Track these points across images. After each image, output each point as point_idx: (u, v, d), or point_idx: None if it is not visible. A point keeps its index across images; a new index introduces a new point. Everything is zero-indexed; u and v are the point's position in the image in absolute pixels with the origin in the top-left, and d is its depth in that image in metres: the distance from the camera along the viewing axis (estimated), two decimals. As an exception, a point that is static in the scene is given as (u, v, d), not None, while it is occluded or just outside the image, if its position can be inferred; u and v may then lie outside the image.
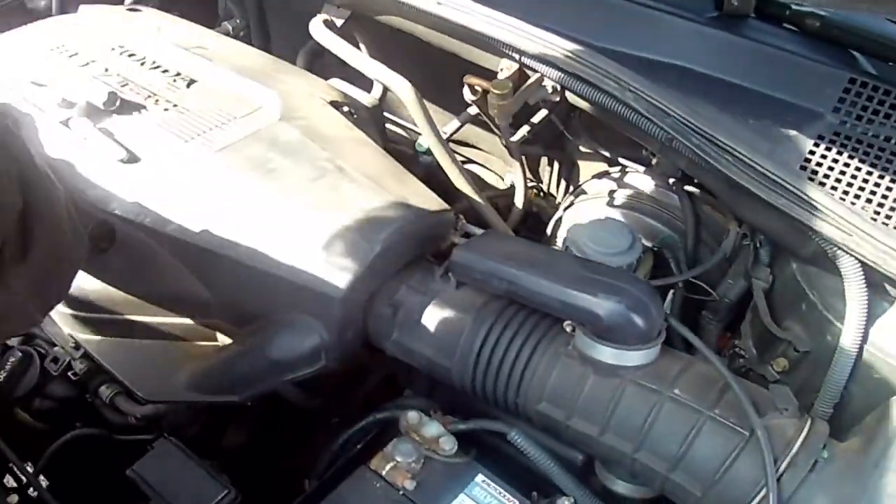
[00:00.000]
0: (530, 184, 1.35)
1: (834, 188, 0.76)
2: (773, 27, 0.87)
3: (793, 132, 0.79)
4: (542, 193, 1.44)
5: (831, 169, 0.77)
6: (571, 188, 1.34)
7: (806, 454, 0.67)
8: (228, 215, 0.90)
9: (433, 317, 0.85)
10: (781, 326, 0.86)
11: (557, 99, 0.98)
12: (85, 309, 0.96)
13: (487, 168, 1.51)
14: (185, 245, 0.89)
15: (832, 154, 0.78)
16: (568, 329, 0.78)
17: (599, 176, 1.21)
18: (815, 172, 0.77)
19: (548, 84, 0.97)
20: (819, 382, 0.81)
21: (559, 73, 0.89)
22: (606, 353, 0.74)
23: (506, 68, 0.99)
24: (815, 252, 0.80)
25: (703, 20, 0.88)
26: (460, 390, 0.85)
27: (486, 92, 1.03)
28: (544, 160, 1.38)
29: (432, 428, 0.81)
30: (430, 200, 0.95)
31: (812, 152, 0.78)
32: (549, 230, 1.24)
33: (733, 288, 0.95)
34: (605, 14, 0.92)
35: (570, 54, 0.87)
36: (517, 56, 0.94)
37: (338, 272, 0.84)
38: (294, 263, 0.85)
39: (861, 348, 0.76)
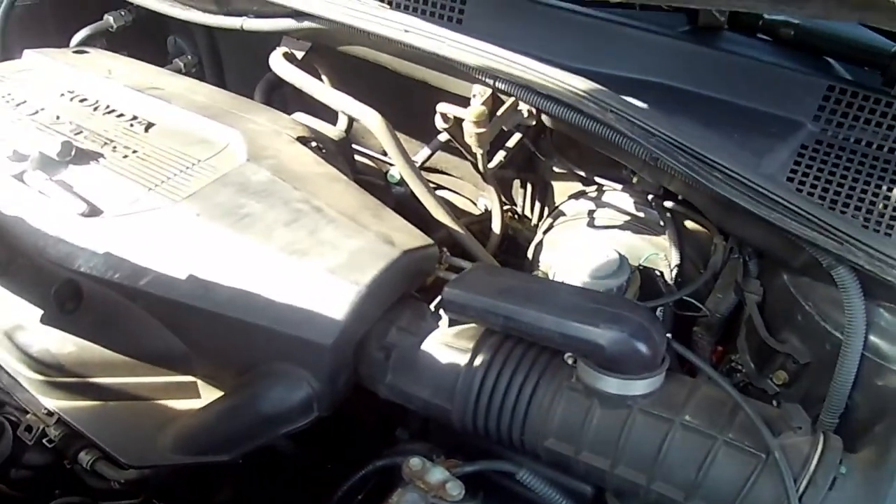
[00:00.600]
0: (504, 207, 1.33)
1: (822, 197, 0.76)
2: (747, 38, 0.87)
3: (777, 143, 0.79)
4: (516, 216, 1.42)
5: (818, 178, 0.77)
6: (547, 210, 1.33)
7: (824, 471, 0.66)
8: (203, 266, 0.85)
9: (428, 358, 0.81)
10: (778, 339, 0.85)
11: (534, 122, 0.97)
12: (55, 373, 0.89)
13: (458, 193, 1.49)
14: (158, 300, 0.84)
15: (817, 163, 0.78)
16: (569, 361, 0.76)
17: (576, 196, 1.20)
18: (803, 183, 0.77)
19: (523, 108, 0.95)
20: (820, 393, 0.81)
21: (536, 97, 0.88)
22: (612, 384, 0.71)
23: (479, 94, 0.98)
24: (806, 262, 0.79)
25: (677, 35, 0.87)
26: (461, 431, 0.81)
27: (459, 120, 1.01)
28: (516, 182, 1.37)
29: (437, 473, 0.77)
30: (412, 235, 0.92)
31: (798, 163, 0.78)
32: (529, 254, 1.23)
33: (723, 302, 0.94)
34: (578, 34, 0.91)
35: (546, 77, 0.85)
36: (491, 81, 0.92)
37: (325, 319, 0.80)
38: (277, 312, 0.81)
39: (862, 356, 0.75)
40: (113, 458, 0.89)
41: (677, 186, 0.88)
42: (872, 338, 0.75)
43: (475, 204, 1.47)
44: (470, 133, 0.96)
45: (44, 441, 0.93)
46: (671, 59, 0.86)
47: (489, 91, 0.96)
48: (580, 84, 0.83)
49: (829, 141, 0.79)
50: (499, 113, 0.95)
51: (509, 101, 0.96)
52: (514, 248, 1.38)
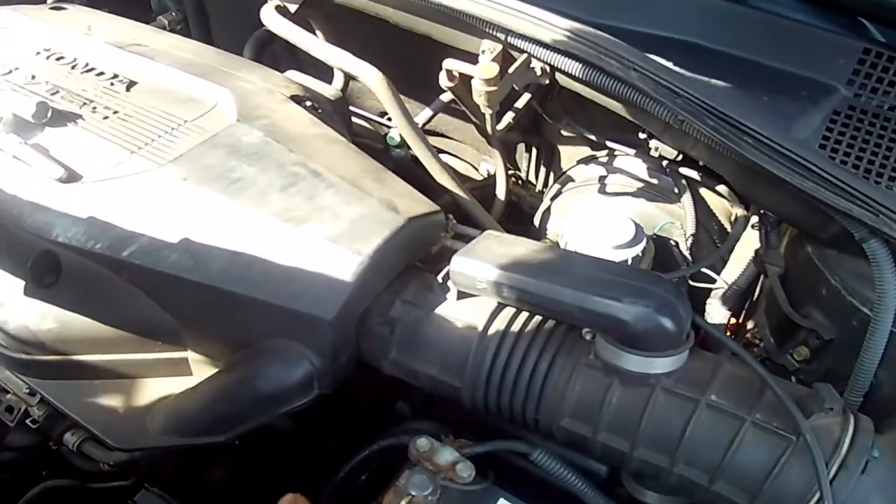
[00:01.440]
0: (508, 172, 1.28)
1: (856, 166, 0.72)
2: (779, -5, 0.81)
3: (809, 108, 0.73)
4: (520, 181, 1.37)
5: (851, 146, 0.73)
6: (553, 175, 1.28)
7: (857, 455, 0.62)
8: (191, 234, 0.79)
9: (435, 333, 0.77)
10: (800, 313, 0.81)
11: (547, 82, 0.91)
12: (35, 351, 0.84)
13: (460, 158, 1.43)
14: (144, 271, 0.78)
15: (850, 130, 0.73)
16: (587, 337, 0.71)
17: (586, 161, 1.14)
18: (836, 150, 0.72)
19: (536, 66, 0.89)
20: (843, 370, 0.77)
21: (552, 54, 0.81)
22: (633, 361, 0.67)
23: (488, 50, 0.91)
24: (834, 234, 0.75)
25: (705, -10, 0.81)
26: (470, 409, 0.77)
27: (466, 78, 0.95)
28: (521, 146, 1.31)
29: (446, 454, 0.73)
30: (416, 201, 0.87)
31: (830, 129, 0.73)
32: (536, 221, 1.18)
33: (742, 274, 0.90)
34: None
35: (563, 32, 0.79)
36: (502, 36, 0.85)
37: (326, 292, 0.75)
38: (274, 285, 0.76)
39: (891, 333, 0.72)
40: (101, 438, 0.85)
41: (700, 152, 0.83)
42: (902, 313, 0.71)
43: (477, 169, 1.41)
44: (479, 92, 0.90)
45: (27, 422, 0.90)
46: (697, 15, 0.80)
47: (499, 47, 0.89)
48: (600, 40, 0.77)
49: (862, 107, 0.74)
50: (510, 71, 0.89)
51: (521, 57, 0.89)
52: (517, 215, 1.33)
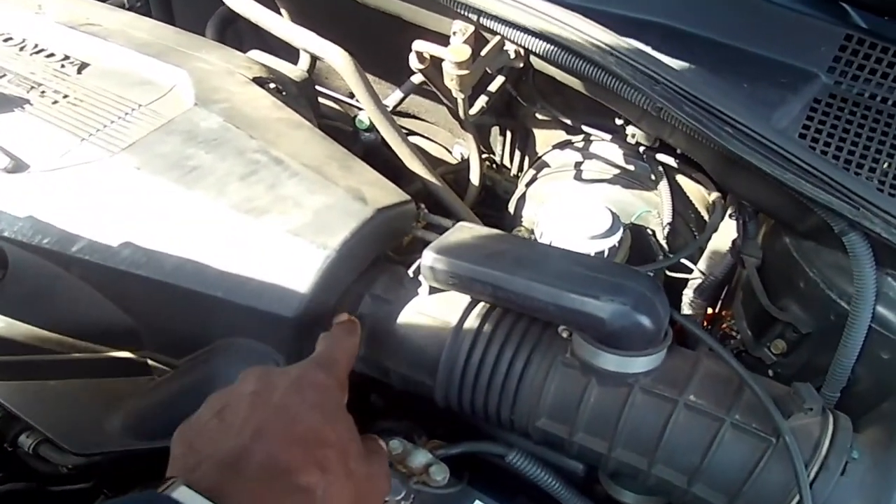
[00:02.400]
0: (482, 156, 1.24)
1: (836, 157, 0.69)
2: (760, -23, 0.78)
3: (788, 95, 0.71)
4: (494, 165, 1.34)
5: (831, 136, 0.70)
6: (528, 159, 1.25)
7: (836, 455, 0.61)
8: (146, 228, 0.74)
9: (406, 329, 0.74)
10: (777, 305, 0.80)
11: (521, 65, 0.87)
12: (-17, 352, 0.79)
13: (432, 140, 1.39)
14: (96, 268, 0.74)
15: (830, 119, 0.71)
16: (564, 334, 0.69)
17: (561, 146, 1.11)
18: (816, 140, 0.70)
19: (510, 48, 0.85)
20: (820, 364, 0.76)
21: (526, 37, 0.78)
22: (611, 360, 0.65)
23: (459, 31, 0.87)
24: (813, 226, 0.73)
25: (683, -29, 0.78)
26: (444, 407, 0.75)
27: (437, 60, 0.91)
28: (495, 129, 1.27)
29: (419, 456, 0.71)
30: (385, 190, 0.83)
31: (810, 117, 0.71)
32: (511, 208, 1.15)
33: (719, 265, 0.88)
34: (574, -33, 0.81)
35: (538, 14, 0.75)
36: (474, 17, 0.81)
37: (288, 288, 0.71)
38: (233, 281, 0.72)
39: (869, 328, 0.70)
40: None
41: (678, 139, 0.80)
42: (880, 309, 0.70)
43: (450, 152, 1.37)
44: (451, 76, 0.86)
45: None
46: (676, -3, 0.77)
47: (472, 28, 0.85)
48: (576, 23, 0.74)
49: (843, 95, 0.72)
50: (482, 53, 0.85)
51: (494, 39, 0.85)
52: (491, 200, 1.30)
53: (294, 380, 0.55)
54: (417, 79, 1.04)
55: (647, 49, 0.72)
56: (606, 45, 0.71)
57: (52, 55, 0.95)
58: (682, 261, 0.92)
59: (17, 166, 0.78)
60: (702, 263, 0.93)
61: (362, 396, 0.89)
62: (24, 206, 0.76)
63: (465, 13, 0.82)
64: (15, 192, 0.77)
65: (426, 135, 1.38)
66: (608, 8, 0.76)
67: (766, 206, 0.77)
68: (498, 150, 1.30)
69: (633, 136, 0.93)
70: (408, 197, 0.84)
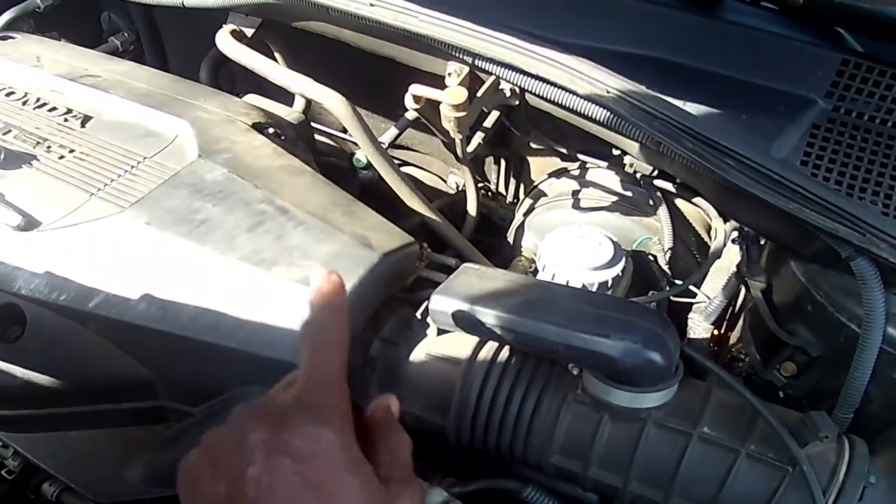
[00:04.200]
0: (478, 185, 1.25)
1: (839, 182, 0.70)
2: (751, 7, 0.79)
3: (787, 124, 0.72)
4: (490, 193, 1.35)
5: (833, 161, 0.71)
6: (524, 187, 1.26)
7: (853, 481, 0.61)
8: (158, 282, 0.75)
9: (416, 371, 0.74)
10: (785, 329, 0.80)
11: (517, 102, 0.88)
12: (4, 405, 0.79)
13: (426, 170, 1.40)
14: (111, 323, 0.74)
15: (831, 144, 0.72)
16: (574, 371, 0.69)
17: (557, 175, 1.12)
18: (818, 167, 0.71)
19: (505, 87, 0.87)
20: (831, 385, 0.76)
21: (522, 77, 0.79)
22: (623, 397, 0.65)
23: (455, 73, 0.88)
24: (818, 250, 0.74)
25: (674, 3, 0.79)
26: (455, 447, 0.75)
27: (432, 101, 0.92)
28: (489, 158, 1.28)
29: (435, 496, 0.71)
30: (389, 234, 0.84)
31: (811, 144, 0.72)
32: (510, 237, 1.16)
33: (724, 288, 0.89)
34: (566, 5, 0.82)
35: (532, 54, 0.77)
36: (469, 59, 0.83)
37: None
38: (246, 332, 0.72)
39: (880, 349, 0.71)
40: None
41: (677, 170, 0.81)
42: (890, 330, 0.70)
43: (444, 181, 1.39)
44: (448, 118, 0.87)
45: (2, 472, 0.87)
46: (669, 30, 0.78)
47: (466, 68, 0.87)
48: (571, 61, 0.75)
49: (842, 119, 0.73)
50: (479, 94, 0.86)
51: (490, 79, 0.87)
52: (487, 227, 1.31)
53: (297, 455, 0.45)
54: (411, 115, 1.05)
55: (644, 84, 0.74)
56: (602, 83, 0.73)
57: (54, 109, 0.96)
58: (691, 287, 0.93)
59: (30, 223, 0.79)
60: (705, 286, 0.93)
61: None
62: (38, 263, 0.77)
63: (461, 56, 0.83)
64: (28, 250, 0.78)
65: (420, 165, 1.39)
66: (602, 45, 0.78)
67: (770, 232, 0.78)
68: (493, 178, 1.31)
69: (632, 165, 0.94)
70: (411, 239, 0.85)
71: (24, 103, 0.98)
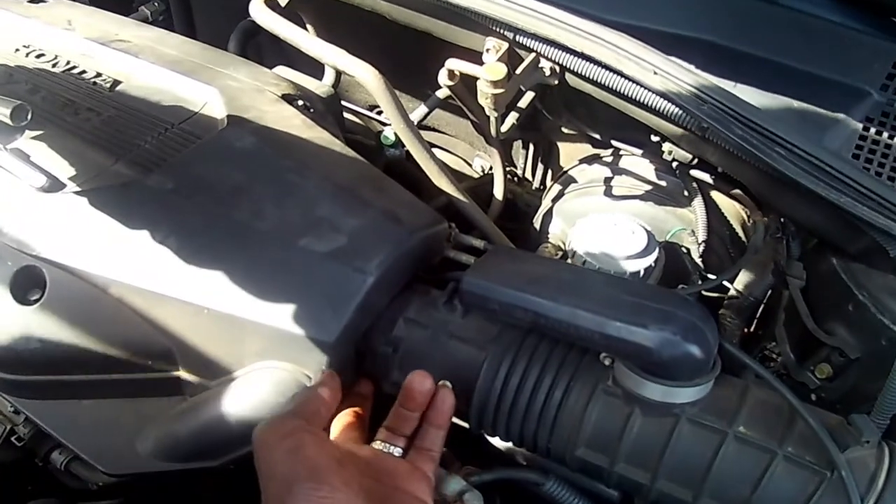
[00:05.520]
0: (505, 169, 1.22)
1: (892, 178, 0.67)
2: (808, -8, 0.76)
3: (840, 115, 0.69)
4: (515, 178, 1.32)
5: (885, 156, 0.68)
6: (552, 173, 1.23)
7: (893, 488, 0.59)
8: (182, 250, 0.74)
9: (441, 354, 0.72)
10: (823, 328, 0.78)
11: (556, 82, 0.85)
12: (19, 371, 0.79)
13: (451, 152, 1.38)
14: (132, 290, 0.73)
15: (883, 138, 0.69)
16: (606, 362, 0.67)
17: (588, 161, 1.09)
18: (870, 161, 0.68)
19: (545, 65, 0.84)
20: (867, 389, 0.74)
21: (565, 55, 0.76)
22: (656, 390, 0.63)
23: (493, 49, 0.85)
24: (864, 248, 0.71)
25: (726, -16, 0.76)
26: (478, 433, 0.73)
27: (467, 78, 0.89)
28: (517, 142, 1.26)
29: (454, 484, 0.70)
30: (419, 211, 0.82)
31: (863, 137, 0.69)
32: (536, 224, 1.13)
33: (759, 285, 0.86)
34: (611, -19, 0.79)
35: (577, 31, 0.74)
36: (510, 35, 0.80)
37: (327, 312, 0.70)
38: (270, 305, 0.71)
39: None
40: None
41: (720, 158, 0.78)
42: (934, 333, 0.68)
43: (470, 164, 1.36)
44: (485, 94, 0.84)
45: (12, 439, 0.87)
46: (722, 13, 0.75)
47: (505, 45, 0.84)
48: (617, 40, 0.72)
49: (896, 113, 0.70)
50: (518, 71, 0.83)
51: (529, 57, 0.84)
52: (511, 212, 1.28)
53: None
54: (442, 93, 1.03)
55: (692, 67, 0.71)
56: (650, 63, 0.70)
57: (84, 72, 0.95)
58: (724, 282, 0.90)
59: (54, 185, 0.78)
60: (739, 282, 0.91)
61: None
62: (60, 226, 0.76)
63: (500, 30, 0.80)
64: (52, 212, 0.77)
65: (446, 147, 1.36)
66: (650, 25, 0.75)
67: (814, 226, 0.75)
68: (520, 163, 1.28)
69: (671, 153, 0.91)
70: (441, 217, 0.83)
71: (54, 65, 0.97)
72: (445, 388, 0.67)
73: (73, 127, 0.85)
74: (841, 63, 0.71)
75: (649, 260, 0.86)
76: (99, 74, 0.94)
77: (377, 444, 0.66)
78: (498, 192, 1.15)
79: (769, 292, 0.90)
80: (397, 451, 0.65)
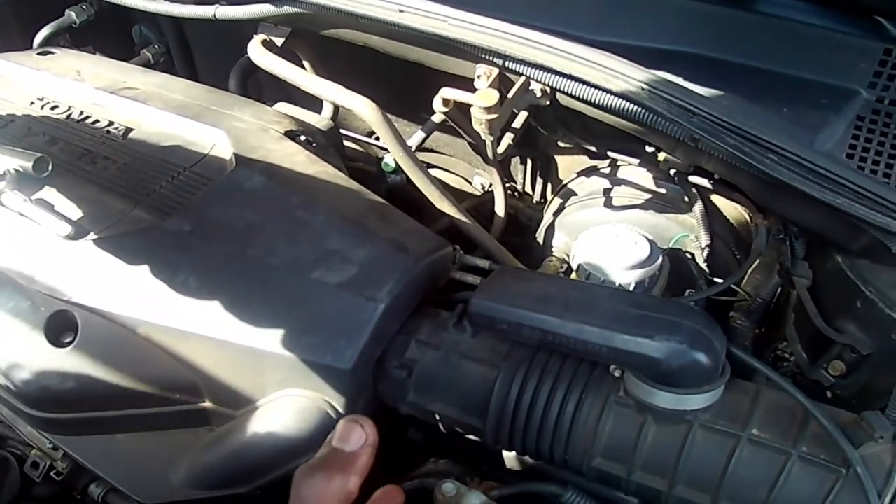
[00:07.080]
0: (505, 184, 1.24)
1: (887, 175, 0.69)
2: (786, -2, 0.78)
3: (831, 116, 0.70)
4: (516, 193, 1.34)
5: (879, 153, 0.70)
6: (551, 186, 1.25)
7: (909, 483, 0.59)
8: (202, 288, 0.77)
9: (454, 373, 0.74)
10: (833, 327, 0.78)
11: (548, 102, 0.87)
12: (56, 409, 0.82)
13: (452, 172, 1.40)
14: (159, 328, 0.76)
15: (876, 136, 0.70)
16: (616, 373, 0.69)
17: (586, 173, 1.11)
18: (864, 159, 0.69)
19: (535, 87, 0.86)
20: (881, 384, 0.74)
21: (554, 77, 0.78)
22: (667, 399, 0.64)
23: (484, 75, 0.88)
24: (867, 245, 0.72)
25: (707, -3, 0.78)
26: (493, 449, 0.75)
27: (460, 104, 0.92)
28: (516, 158, 1.28)
29: (473, 499, 0.71)
30: (424, 238, 0.84)
31: (856, 136, 0.70)
32: (539, 238, 1.15)
33: (766, 286, 0.87)
34: (594, 2, 0.81)
35: (564, 54, 0.76)
36: (499, 61, 0.82)
37: (342, 340, 0.72)
38: (287, 336, 0.73)
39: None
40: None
41: (716, 166, 0.80)
42: (943, 326, 0.68)
43: (470, 183, 1.38)
44: (479, 120, 0.86)
45: (52, 474, 0.89)
46: (704, 25, 0.76)
47: (496, 70, 0.86)
48: (603, 59, 0.74)
49: (887, 110, 0.71)
50: (509, 95, 0.86)
51: (520, 80, 0.86)
52: (513, 227, 1.30)
53: None
54: (438, 118, 1.05)
55: (680, 80, 0.72)
56: (637, 80, 0.71)
57: (97, 121, 0.99)
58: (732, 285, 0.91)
59: (78, 232, 0.81)
60: (746, 284, 0.92)
61: (400, 431, 0.90)
62: (87, 271, 0.79)
63: (491, 58, 0.83)
64: (77, 258, 0.80)
65: (445, 167, 1.39)
66: (635, 42, 0.77)
67: (816, 227, 0.76)
68: (519, 178, 1.30)
69: (666, 161, 0.93)
70: (445, 242, 0.85)
71: (69, 116, 1.00)
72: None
73: (92, 175, 0.89)
74: (828, 65, 0.73)
75: (653, 268, 0.87)
76: (111, 123, 0.98)
77: None
78: (499, 209, 1.17)
79: (777, 292, 0.91)
80: None
